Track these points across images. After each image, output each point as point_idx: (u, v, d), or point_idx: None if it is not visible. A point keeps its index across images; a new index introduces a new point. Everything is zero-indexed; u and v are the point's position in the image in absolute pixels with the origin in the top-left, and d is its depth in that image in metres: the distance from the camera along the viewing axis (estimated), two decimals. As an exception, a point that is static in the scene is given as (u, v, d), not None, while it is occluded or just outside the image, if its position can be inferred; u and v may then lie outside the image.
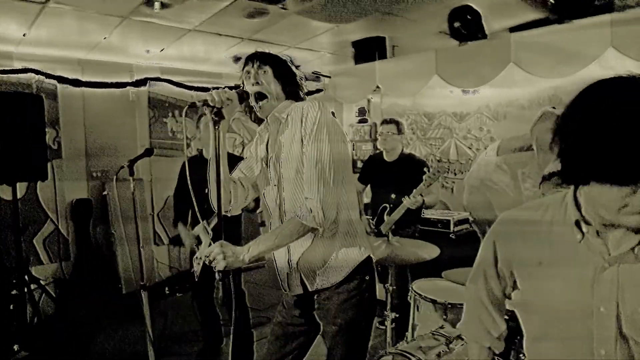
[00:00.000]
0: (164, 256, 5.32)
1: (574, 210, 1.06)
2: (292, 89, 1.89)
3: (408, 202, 3.34)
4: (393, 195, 3.56)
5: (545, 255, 1.14)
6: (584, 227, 1.05)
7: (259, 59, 1.87)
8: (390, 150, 3.67)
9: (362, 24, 4.14)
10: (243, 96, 1.79)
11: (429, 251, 2.61)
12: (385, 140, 3.64)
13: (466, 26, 3.55)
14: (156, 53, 4.73)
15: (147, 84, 5.13)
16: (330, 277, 1.79)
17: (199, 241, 3.07)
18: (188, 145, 4.24)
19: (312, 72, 5.03)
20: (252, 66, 1.85)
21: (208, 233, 3.06)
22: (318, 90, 5.85)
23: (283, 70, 1.89)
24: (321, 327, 1.87)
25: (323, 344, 1.88)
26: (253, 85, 1.83)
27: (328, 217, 1.67)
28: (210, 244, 1.67)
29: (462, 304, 2.64)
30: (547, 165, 3.18)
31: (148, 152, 3.04)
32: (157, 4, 3.22)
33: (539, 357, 1.22)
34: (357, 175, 3.90)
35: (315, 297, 1.86)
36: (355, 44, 4.45)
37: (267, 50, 1.93)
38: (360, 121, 6.16)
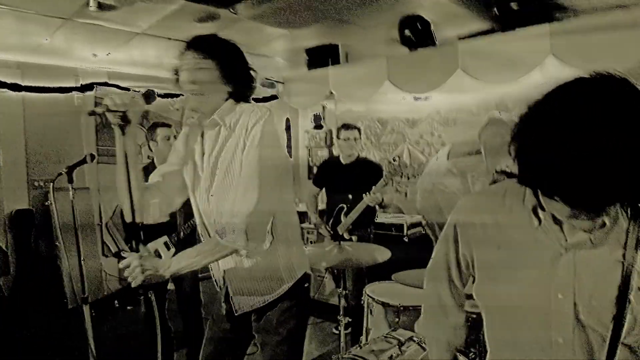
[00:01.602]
0: (114, 268, 5.09)
1: (531, 197, 1.03)
2: (240, 89, 1.66)
3: (368, 198, 3.39)
4: (350, 196, 3.60)
5: (504, 240, 1.13)
6: (541, 214, 1.03)
7: (203, 48, 1.59)
8: (349, 154, 3.72)
9: (315, 31, 4.15)
10: (149, 96, 1.58)
11: (380, 254, 2.62)
12: (349, 146, 3.69)
13: (416, 34, 3.63)
14: (103, 57, 4.56)
15: (94, 89, 4.93)
16: (270, 291, 1.71)
17: (158, 256, 2.94)
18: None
19: (265, 78, 5.01)
20: (192, 57, 1.58)
21: (169, 248, 2.96)
22: (273, 97, 5.82)
23: (233, 66, 1.63)
24: (259, 339, 1.78)
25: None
26: (189, 82, 1.58)
27: (253, 238, 1.55)
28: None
29: (414, 306, 2.70)
30: (494, 168, 3.30)
31: (88, 159, 2.80)
32: (92, 3, 3.09)
33: (498, 345, 1.22)
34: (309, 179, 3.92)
35: (250, 312, 1.77)
36: (308, 50, 4.45)
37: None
38: (315, 127, 6.18)
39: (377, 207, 3.69)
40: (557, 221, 1.01)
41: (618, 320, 0.97)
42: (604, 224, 0.96)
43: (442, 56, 3.53)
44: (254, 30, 4.05)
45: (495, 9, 3.25)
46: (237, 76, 1.65)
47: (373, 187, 3.39)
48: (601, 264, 1.00)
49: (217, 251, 1.57)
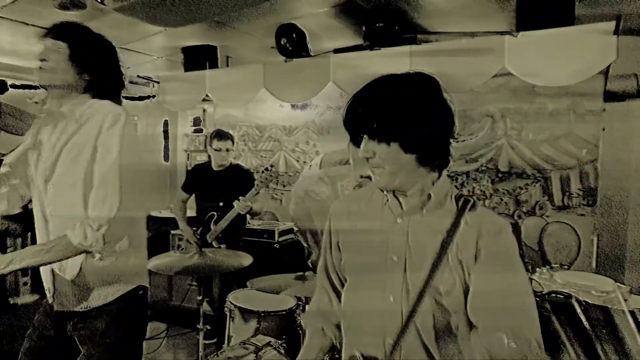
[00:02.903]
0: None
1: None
2: (96, 79, 1.59)
3: (239, 205, 3.35)
4: (221, 203, 3.53)
5: (361, 220, 1.32)
6: (387, 192, 1.25)
7: (60, 33, 1.53)
8: (221, 164, 3.66)
9: (193, 30, 4.04)
10: None
11: (242, 260, 2.60)
12: (221, 157, 3.62)
13: (292, 43, 3.70)
14: (-58, 38, 3.99)
15: None
16: (101, 296, 1.62)
17: None
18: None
19: (138, 76, 4.75)
20: (50, 43, 1.53)
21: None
22: (152, 96, 5.55)
23: (86, 52, 1.55)
24: (84, 350, 1.65)
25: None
26: (40, 63, 1.51)
27: (109, 239, 1.50)
28: None
29: (275, 312, 2.72)
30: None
31: None
32: None
33: (350, 308, 1.34)
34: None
35: (77, 318, 1.64)
36: (185, 50, 4.32)
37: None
38: (195, 131, 6.01)
39: (247, 215, 3.69)
40: (396, 197, 1.24)
41: (430, 278, 1.15)
42: (430, 196, 1.20)
43: (315, 67, 3.64)
44: (126, 24, 3.82)
45: (363, 27, 3.44)
46: (94, 67, 1.58)
47: (246, 195, 3.38)
48: (428, 232, 1.19)
49: (69, 251, 1.50)
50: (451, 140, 1.24)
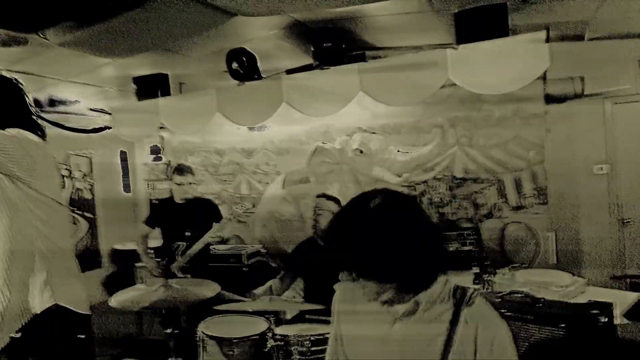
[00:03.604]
0: None
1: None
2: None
3: (208, 237, 3.39)
4: (188, 233, 3.52)
5: (360, 318, 1.29)
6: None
7: None
8: (182, 198, 3.66)
9: (142, 60, 4.00)
10: None
11: (208, 289, 2.57)
12: (183, 191, 3.62)
13: (243, 67, 3.72)
14: None
15: None
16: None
17: None
18: None
19: (90, 109, 4.66)
20: None
21: None
22: (107, 127, 5.44)
23: None
24: None
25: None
26: None
27: None
28: None
29: (248, 337, 2.69)
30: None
31: None
32: None
33: None
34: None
35: None
36: (136, 79, 4.28)
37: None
38: (155, 159, 5.93)
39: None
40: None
41: None
42: (417, 303, 1.16)
43: (268, 89, 3.68)
44: (72, 57, 3.76)
45: (311, 47, 3.51)
46: None
47: (214, 225, 3.42)
48: (427, 333, 1.16)
49: None
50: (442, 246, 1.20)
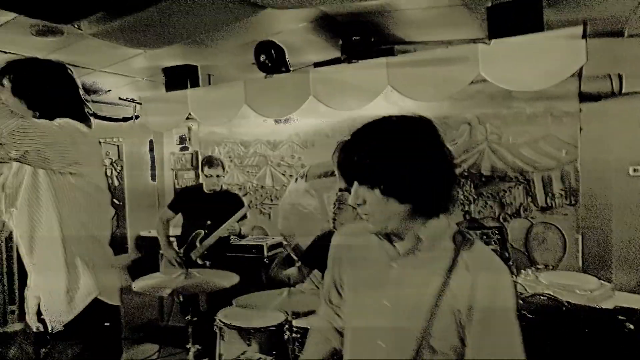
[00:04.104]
0: None
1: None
2: (45, 105, 1.61)
3: (225, 226, 3.43)
4: (209, 222, 3.57)
5: (358, 258, 1.31)
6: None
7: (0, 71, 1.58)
8: (212, 189, 3.72)
9: (172, 51, 4.06)
10: None
11: (228, 280, 2.61)
12: (212, 183, 3.69)
13: (271, 60, 3.73)
14: None
15: None
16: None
17: None
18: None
19: (120, 98, 4.76)
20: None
21: None
22: (136, 117, 5.55)
23: (28, 83, 1.59)
24: None
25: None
26: None
27: None
28: None
29: (265, 328, 2.72)
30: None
31: None
32: None
33: (347, 343, 1.34)
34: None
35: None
36: (165, 70, 4.34)
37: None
38: (181, 149, 6.02)
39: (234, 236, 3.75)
40: (390, 240, 1.21)
41: (430, 326, 1.12)
42: (420, 239, 1.17)
43: (295, 82, 3.68)
44: (104, 48, 3.84)
45: (340, 41, 3.48)
46: (40, 95, 1.61)
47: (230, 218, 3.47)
48: (422, 275, 1.17)
49: None
50: (452, 187, 1.19)
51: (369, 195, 1.14)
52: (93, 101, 5.06)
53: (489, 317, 1.11)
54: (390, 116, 1.18)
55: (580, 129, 3.70)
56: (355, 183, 1.15)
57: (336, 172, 1.22)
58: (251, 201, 3.59)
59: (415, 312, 1.14)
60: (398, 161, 1.10)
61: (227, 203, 3.65)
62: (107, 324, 1.67)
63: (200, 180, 3.81)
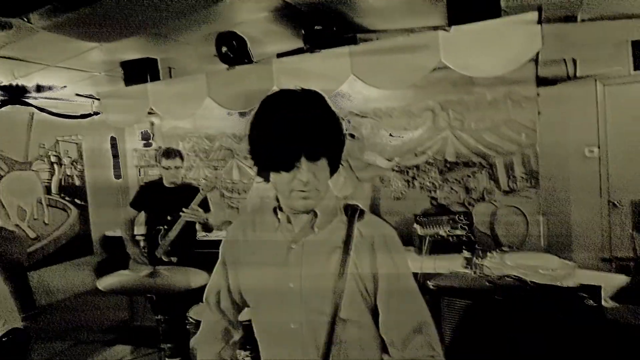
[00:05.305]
0: None
1: (273, 200, 1.25)
2: None
3: (186, 214, 3.33)
4: (169, 217, 3.48)
5: (256, 245, 1.29)
6: (280, 214, 1.23)
7: None
8: (172, 182, 3.60)
9: (130, 44, 3.94)
10: None
11: (198, 278, 2.55)
12: (171, 175, 3.56)
13: (233, 51, 3.67)
14: None
15: None
16: None
17: None
18: None
19: (77, 94, 4.60)
20: None
21: None
22: (95, 113, 5.37)
23: None
24: None
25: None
26: None
27: None
28: None
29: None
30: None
31: None
32: None
33: (262, 339, 1.33)
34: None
35: None
36: (124, 64, 4.21)
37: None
38: (144, 145, 5.88)
39: (200, 227, 3.66)
40: (289, 220, 1.21)
41: (338, 298, 1.14)
42: (316, 214, 1.19)
43: (259, 74, 3.63)
44: (58, 42, 3.69)
45: (302, 30, 3.46)
46: None
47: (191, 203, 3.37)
48: (323, 251, 1.20)
49: None
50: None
51: (315, 167, 1.13)
52: (48, 98, 4.87)
53: (393, 282, 1.19)
54: (294, 89, 1.19)
55: (539, 113, 3.80)
56: (304, 158, 1.11)
57: (258, 155, 1.17)
58: (215, 186, 3.48)
59: (321, 287, 1.17)
60: (329, 126, 1.16)
61: (188, 196, 3.52)
62: None
63: (159, 174, 3.68)
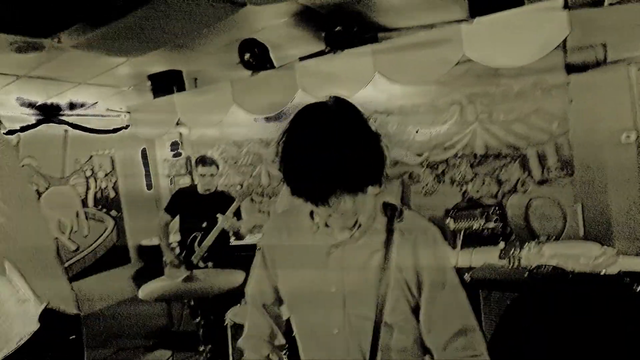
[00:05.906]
0: None
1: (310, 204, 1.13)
2: None
3: (222, 220, 3.39)
4: (204, 224, 3.55)
5: (295, 248, 1.26)
6: (317, 218, 1.18)
7: None
8: (207, 189, 3.68)
9: (156, 58, 4.03)
10: None
11: (235, 277, 2.59)
12: (207, 182, 3.65)
13: (255, 57, 3.71)
14: None
15: None
16: None
17: None
18: None
19: (107, 110, 4.74)
20: None
21: None
22: (126, 127, 5.52)
23: None
24: None
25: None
26: None
27: None
28: None
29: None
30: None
31: None
32: None
33: (303, 341, 1.32)
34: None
35: None
36: (151, 77, 4.31)
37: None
38: (174, 155, 6.01)
39: (232, 234, 3.71)
40: (327, 225, 1.16)
41: (381, 302, 1.11)
42: (356, 222, 1.15)
43: (281, 78, 3.67)
44: (86, 59, 3.81)
45: (323, 32, 3.47)
46: None
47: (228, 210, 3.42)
48: (363, 255, 1.16)
49: None
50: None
51: (349, 198, 1.04)
52: (81, 115, 5.04)
53: (436, 277, 1.15)
54: (325, 102, 1.11)
55: (570, 101, 3.71)
56: (343, 192, 1.01)
57: (291, 182, 1.04)
58: (250, 194, 3.53)
59: (364, 291, 1.14)
60: (373, 149, 1.04)
61: (223, 204, 3.59)
62: (73, 337, 1.65)
63: (195, 182, 3.77)
